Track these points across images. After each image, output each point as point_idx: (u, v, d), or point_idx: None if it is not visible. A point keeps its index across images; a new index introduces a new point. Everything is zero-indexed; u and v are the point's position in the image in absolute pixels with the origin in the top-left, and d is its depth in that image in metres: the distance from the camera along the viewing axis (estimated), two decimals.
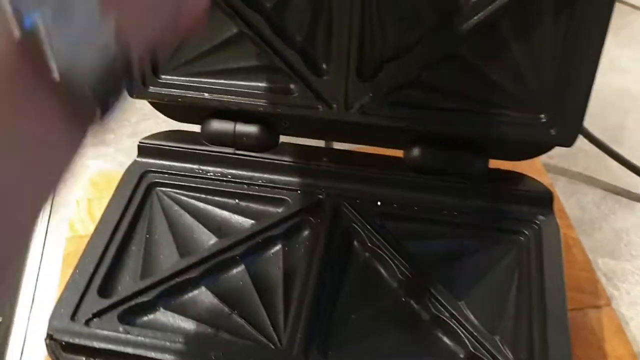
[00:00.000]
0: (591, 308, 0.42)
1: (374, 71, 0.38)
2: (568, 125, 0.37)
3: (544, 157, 0.55)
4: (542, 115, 0.38)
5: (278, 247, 0.39)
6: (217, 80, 0.40)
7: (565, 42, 0.35)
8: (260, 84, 0.40)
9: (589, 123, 0.55)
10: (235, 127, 0.41)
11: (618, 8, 0.66)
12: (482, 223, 0.39)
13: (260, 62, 0.39)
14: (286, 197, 0.40)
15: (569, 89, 0.36)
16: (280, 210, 0.40)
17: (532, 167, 0.49)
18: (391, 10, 0.36)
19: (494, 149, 0.40)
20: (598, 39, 0.34)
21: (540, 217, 0.39)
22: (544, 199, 0.39)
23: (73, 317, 0.34)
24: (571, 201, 0.52)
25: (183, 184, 0.42)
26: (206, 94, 0.40)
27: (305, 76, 0.38)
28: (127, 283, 0.37)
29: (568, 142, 0.38)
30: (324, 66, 0.39)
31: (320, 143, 0.46)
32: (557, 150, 0.54)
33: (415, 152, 0.40)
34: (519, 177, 0.40)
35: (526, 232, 0.39)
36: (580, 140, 0.50)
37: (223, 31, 0.38)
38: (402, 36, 0.37)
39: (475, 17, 0.35)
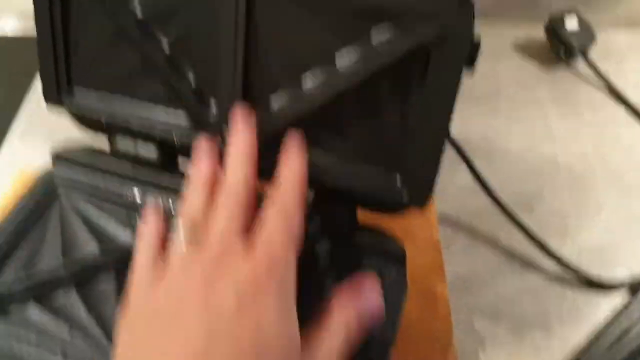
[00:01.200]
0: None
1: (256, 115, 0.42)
2: (419, 190, 0.40)
3: (449, 211, 0.58)
4: (398, 175, 0.41)
5: None
6: (124, 102, 0.44)
7: (417, 112, 0.38)
8: (160, 110, 0.44)
9: (504, 185, 0.58)
10: (136, 146, 0.45)
11: (568, 78, 0.69)
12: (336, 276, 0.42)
13: (159, 90, 0.43)
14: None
15: (422, 155, 0.39)
16: None
17: (426, 220, 0.52)
18: (273, 56, 0.40)
19: (359, 199, 0.43)
20: (445, 114, 0.37)
21: (391, 274, 0.41)
22: (398, 258, 0.42)
23: None
24: (460, 257, 0.55)
25: (84, 193, 0.46)
26: (111, 116, 0.44)
27: (194, 107, 0.42)
28: (10, 275, 0.41)
29: (419, 204, 0.40)
30: (212, 104, 0.42)
31: None
32: (467, 208, 0.57)
33: None
34: (380, 234, 0.43)
35: None
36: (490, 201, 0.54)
37: (130, 59, 0.43)
38: (282, 85, 0.41)
39: (345, 82, 0.38)
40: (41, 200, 0.45)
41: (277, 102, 0.41)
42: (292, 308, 0.31)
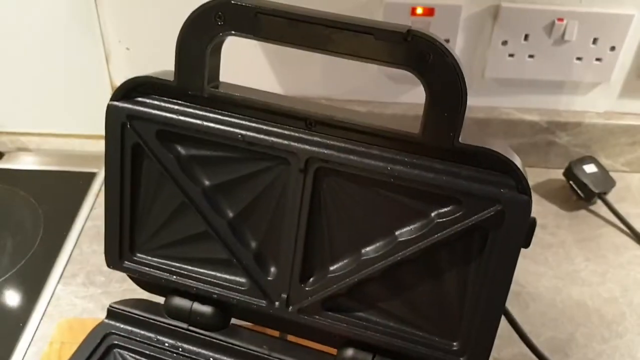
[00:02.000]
0: None
1: (316, 279, 0.44)
2: (476, 355, 0.41)
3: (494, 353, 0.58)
4: (455, 343, 0.42)
5: None
6: (182, 265, 0.47)
7: (477, 285, 0.40)
8: (217, 274, 0.46)
9: (539, 330, 0.59)
10: (192, 305, 0.47)
11: (589, 220, 0.72)
12: None
13: (219, 256, 0.45)
14: None
15: (479, 325, 0.41)
16: None
17: None
18: (335, 227, 0.42)
19: None
20: (503, 287, 0.39)
21: None
22: None
23: None
24: None
25: (139, 349, 0.47)
26: (172, 276, 0.46)
27: (254, 274, 0.44)
28: None
29: None
30: (272, 268, 0.44)
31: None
32: (504, 356, 0.58)
33: (348, 353, 0.45)
34: None
35: None
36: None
37: (193, 227, 0.45)
38: (343, 252, 0.43)
39: (403, 252, 0.41)
40: (96, 354, 0.46)
41: (336, 267, 0.43)
42: None
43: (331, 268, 0.43)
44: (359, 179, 0.40)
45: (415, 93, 0.76)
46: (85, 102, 0.76)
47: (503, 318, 0.61)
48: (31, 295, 0.62)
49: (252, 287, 0.45)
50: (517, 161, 0.38)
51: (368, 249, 0.42)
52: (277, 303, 0.45)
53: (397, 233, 0.41)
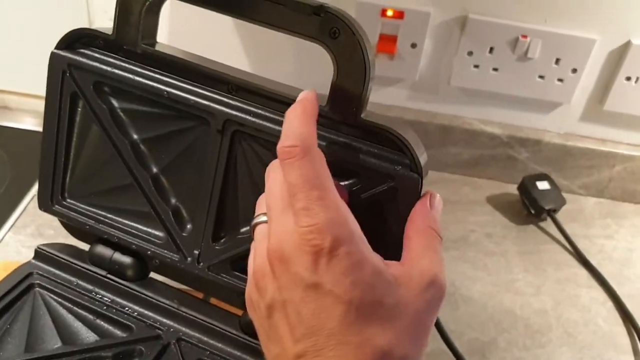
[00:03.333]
0: None
1: (226, 240, 0.46)
2: None
3: None
4: None
5: None
6: (107, 214, 0.49)
7: None
8: (138, 226, 0.48)
9: (463, 331, 0.61)
10: (113, 255, 0.49)
11: (536, 235, 0.73)
12: None
13: (141, 209, 0.47)
14: (133, 325, 0.47)
15: None
16: (124, 334, 0.47)
17: None
18: (247, 190, 0.44)
19: None
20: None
21: None
22: None
23: None
24: None
25: (58, 290, 0.49)
26: (97, 224, 0.49)
27: (171, 229, 0.47)
28: None
29: None
30: (188, 225, 0.47)
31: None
32: None
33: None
34: None
35: None
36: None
37: (120, 178, 0.47)
38: (251, 215, 0.45)
39: None
40: (16, 290, 0.48)
41: (246, 232, 0.45)
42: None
43: (241, 230, 0.45)
44: (271, 144, 0.42)
45: (384, 93, 0.78)
46: None
47: None
48: None
49: (168, 242, 0.47)
50: (414, 143, 0.40)
51: None
52: (189, 259, 0.47)
53: None
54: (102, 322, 0.48)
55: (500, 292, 0.68)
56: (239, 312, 0.48)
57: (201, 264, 0.46)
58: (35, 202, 0.70)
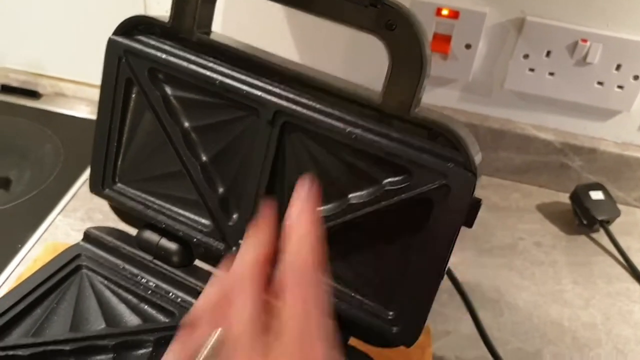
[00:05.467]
0: None
1: None
2: (408, 329, 0.42)
3: (448, 355, 0.59)
4: (391, 313, 0.43)
5: (147, 350, 0.45)
6: (156, 200, 0.49)
7: (416, 256, 0.41)
8: (186, 213, 0.49)
9: (507, 339, 0.59)
10: (159, 241, 0.49)
11: (587, 246, 0.71)
12: None
13: (190, 197, 0.48)
14: (176, 311, 0.47)
15: (415, 298, 0.42)
16: (167, 320, 0.47)
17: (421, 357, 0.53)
18: (294, 183, 0.44)
19: (353, 328, 0.45)
20: (440, 261, 0.40)
21: None
22: None
23: None
24: None
25: (104, 273, 0.50)
26: (145, 209, 0.49)
27: (218, 217, 0.47)
28: (17, 335, 0.44)
29: (407, 343, 0.43)
30: (234, 214, 0.47)
31: None
32: (465, 356, 0.58)
33: None
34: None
35: None
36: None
37: (170, 165, 0.48)
38: None
39: (352, 214, 0.42)
40: (64, 271, 0.49)
41: None
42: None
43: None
44: (321, 138, 0.42)
45: (435, 94, 0.77)
46: None
47: (471, 321, 0.61)
48: (34, 222, 0.67)
49: (214, 230, 0.47)
50: (469, 140, 0.39)
51: (322, 208, 0.44)
52: (234, 248, 0.47)
53: (349, 196, 0.42)
54: (145, 307, 0.48)
55: (547, 302, 0.66)
56: None
57: None
58: (85, 188, 0.71)
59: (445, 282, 0.66)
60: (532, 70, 0.72)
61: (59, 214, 0.68)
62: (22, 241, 0.65)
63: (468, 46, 0.72)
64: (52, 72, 0.86)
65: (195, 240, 0.48)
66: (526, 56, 0.72)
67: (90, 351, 0.44)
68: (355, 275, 0.44)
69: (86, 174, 0.74)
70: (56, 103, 0.86)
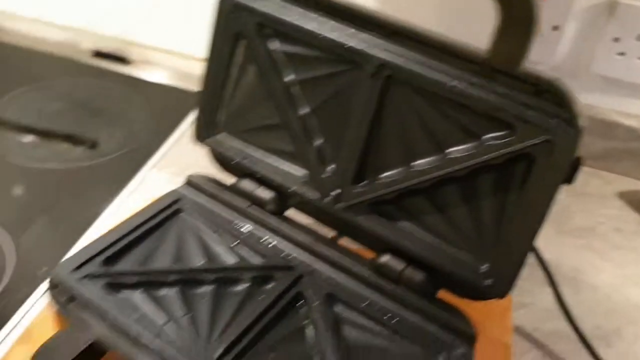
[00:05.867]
0: None
1: (367, 182, 0.47)
2: (500, 282, 0.43)
3: (527, 327, 0.59)
4: (485, 265, 0.44)
5: (244, 286, 0.47)
6: (255, 151, 0.52)
7: (514, 213, 0.42)
8: (283, 163, 0.51)
9: (586, 317, 0.59)
10: (255, 189, 0.52)
11: None
12: (412, 334, 0.45)
13: (287, 148, 0.50)
14: (268, 254, 0.50)
15: (509, 252, 0.43)
16: (259, 261, 0.50)
17: (501, 323, 0.54)
18: (393, 136, 0.46)
19: (444, 280, 0.46)
20: (538, 218, 0.41)
21: (458, 350, 0.44)
22: (468, 337, 0.45)
23: (74, 270, 0.45)
24: None
25: (203, 217, 0.52)
26: (244, 159, 0.52)
27: (314, 168, 0.49)
28: (126, 265, 0.47)
29: (499, 294, 0.44)
30: (330, 166, 0.49)
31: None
32: (545, 328, 0.58)
33: (384, 258, 0.48)
34: (458, 313, 0.46)
35: (441, 355, 0.44)
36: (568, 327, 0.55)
37: (270, 117, 0.50)
38: (395, 162, 0.46)
39: (451, 168, 0.44)
40: (166, 211, 0.52)
41: (387, 174, 0.46)
42: None
43: (382, 175, 0.47)
44: (423, 91, 0.43)
45: None
46: None
47: (552, 295, 0.61)
48: (126, 176, 0.71)
49: (309, 181, 0.49)
50: (574, 98, 0.40)
51: (419, 161, 0.45)
52: (328, 198, 0.49)
53: (448, 151, 0.44)
54: (242, 249, 0.51)
55: (625, 285, 0.65)
56: (370, 255, 0.49)
57: (339, 204, 0.48)
58: (176, 147, 0.75)
59: None
60: (621, 54, 0.72)
61: (152, 168, 0.71)
62: (115, 193, 0.68)
63: (555, 27, 0.72)
64: (142, 40, 0.91)
65: (290, 189, 0.50)
66: (616, 39, 0.71)
67: (192, 283, 0.47)
68: (450, 228, 0.45)
69: (176, 134, 0.78)
70: (145, 70, 0.90)
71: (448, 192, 0.45)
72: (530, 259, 0.64)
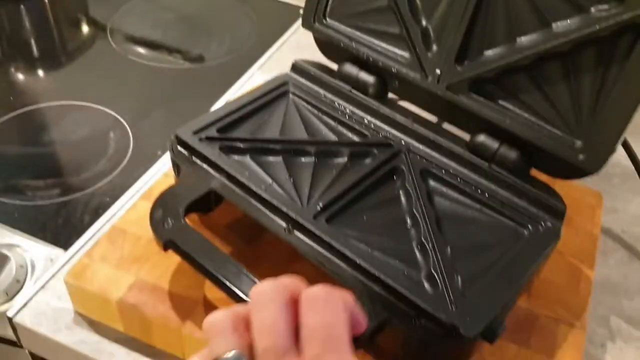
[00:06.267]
0: (565, 324, 0.47)
1: (469, 62, 0.49)
2: (596, 155, 0.44)
3: (616, 228, 0.60)
4: (579, 142, 0.45)
5: (342, 159, 0.51)
6: (360, 34, 0.55)
7: (614, 90, 0.43)
8: (387, 46, 0.53)
9: None
10: (358, 73, 0.55)
11: None
12: (502, 208, 0.47)
13: (393, 30, 0.52)
14: (368, 134, 0.53)
15: (605, 128, 0.44)
16: (359, 139, 0.53)
17: (591, 215, 0.55)
18: (498, 13, 0.47)
19: (538, 159, 0.48)
20: (638, 95, 0.42)
21: (547, 224, 0.46)
22: (558, 213, 0.46)
23: (195, 133, 0.50)
24: (615, 266, 0.57)
25: (307, 99, 0.56)
26: (350, 42, 0.55)
27: (418, 49, 0.51)
28: (238, 134, 0.52)
29: (592, 170, 0.45)
30: (434, 46, 0.51)
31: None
32: (634, 232, 0.59)
33: (479, 138, 0.50)
34: (549, 189, 0.48)
35: (530, 227, 0.46)
36: None
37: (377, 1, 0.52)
38: (499, 40, 0.48)
39: (556, 41, 0.45)
40: (274, 93, 0.56)
41: (490, 53, 0.48)
42: None
43: (485, 53, 0.48)
44: None
45: None
46: None
47: None
48: (232, 78, 0.76)
49: (412, 61, 0.52)
50: None
51: (523, 39, 0.46)
52: (430, 78, 0.51)
53: (554, 25, 0.45)
54: (342, 129, 0.54)
55: None
56: (467, 137, 0.51)
57: (441, 83, 0.50)
58: (278, 54, 0.79)
59: (615, 167, 0.66)
60: None
61: (257, 70, 0.76)
62: (222, 93, 0.73)
63: None
64: None
65: (393, 70, 0.53)
66: None
67: (296, 152, 0.51)
68: (547, 105, 0.47)
69: (279, 43, 0.82)
70: None
71: (549, 69, 0.46)
72: (626, 164, 0.64)
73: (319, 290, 0.30)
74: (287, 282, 0.30)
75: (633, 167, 0.58)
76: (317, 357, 0.28)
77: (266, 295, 0.30)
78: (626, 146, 0.57)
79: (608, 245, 0.59)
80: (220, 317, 0.30)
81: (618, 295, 0.55)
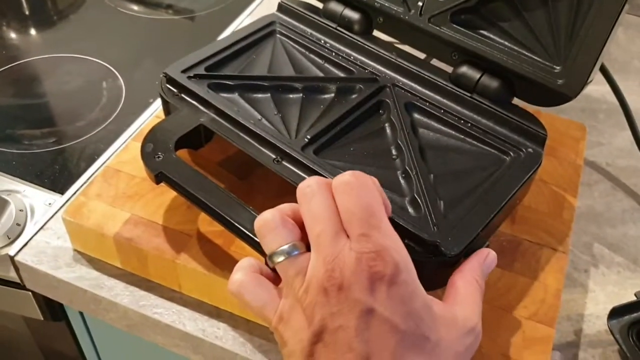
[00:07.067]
0: (548, 248, 0.49)
1: None
2: (575, 79, 0.45)
3: (600, 161, 0.61)
4: (558, 67, 0.46)
5: (330, 95, 0.52)
6: None
7: (588, 10, 0.44)
8: None
9: None
10: (343, 10, 0.55)
11: None
12: (484, 137, 0.48)
13: None
14: (354, 70, 0.54)
15: (582, 51, 0.45)
16: (345, 75, 0.54)
17: (574, 146, 0.56)
18: None
19: (519, 88, 0.49)
20: (610, 20, 0.43)
21: (529, 150, 0.47)
22: (539, 138, 0.47)
23: (183, 72, 0.51)
24: (598, 197, 0.58)
25: (294, 37, 0.57)
26: None
27: None
28: (224, 72, 0.53)
29: (572, 94, 0.46)
30: None
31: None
32: (619, 164, 0.60)
33: (461, 69, 0.51)
34: (531, 116, 0.49)
35: (512, 154, 0.47)
36: None
37: None
38: None
39: None
40: (261, 32, 0.57)
41: None
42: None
43: None
44: None
45: None
46: None
47: (625, 138, 0.62)
48: (223, 25, 0.76)
49: None
50: None
51: None
52: (412, 11, 0.51)
53: None
54: (328, 66, 0.55)
55: None
56: (449, 70, 0.52)
57: (423, 15, 0.51)
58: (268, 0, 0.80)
59: (601, 103, 0.67)
60: None
61: (245, 17, 0.76)
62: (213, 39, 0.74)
63: None
64: None
65: (376, 5, 0.53)
66: None
67: (284, 89, 0.51)
68: (526, 32, 0.47)
69: None
70: None
71: None
72: (611, 100, 0.65)
73: (350, 176, 0.33)
74: (324, 179, 0.34)
75: (618, 103, 0.59)
76: (364, 236, 0.31)
77: (311, 188, 0.33)
78: (610, 81, 0.58)
79: (593, 178, 0.60)
80: (270, 216, 0.33)
81: (601, 224, 0.56)
